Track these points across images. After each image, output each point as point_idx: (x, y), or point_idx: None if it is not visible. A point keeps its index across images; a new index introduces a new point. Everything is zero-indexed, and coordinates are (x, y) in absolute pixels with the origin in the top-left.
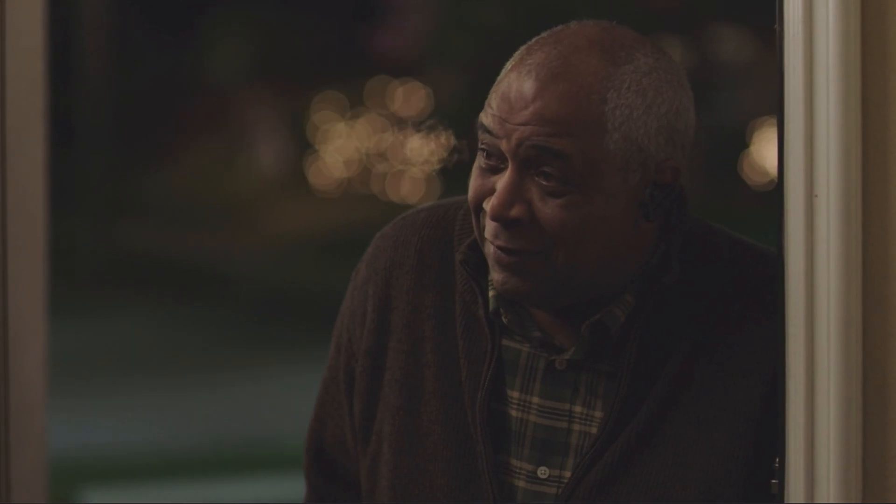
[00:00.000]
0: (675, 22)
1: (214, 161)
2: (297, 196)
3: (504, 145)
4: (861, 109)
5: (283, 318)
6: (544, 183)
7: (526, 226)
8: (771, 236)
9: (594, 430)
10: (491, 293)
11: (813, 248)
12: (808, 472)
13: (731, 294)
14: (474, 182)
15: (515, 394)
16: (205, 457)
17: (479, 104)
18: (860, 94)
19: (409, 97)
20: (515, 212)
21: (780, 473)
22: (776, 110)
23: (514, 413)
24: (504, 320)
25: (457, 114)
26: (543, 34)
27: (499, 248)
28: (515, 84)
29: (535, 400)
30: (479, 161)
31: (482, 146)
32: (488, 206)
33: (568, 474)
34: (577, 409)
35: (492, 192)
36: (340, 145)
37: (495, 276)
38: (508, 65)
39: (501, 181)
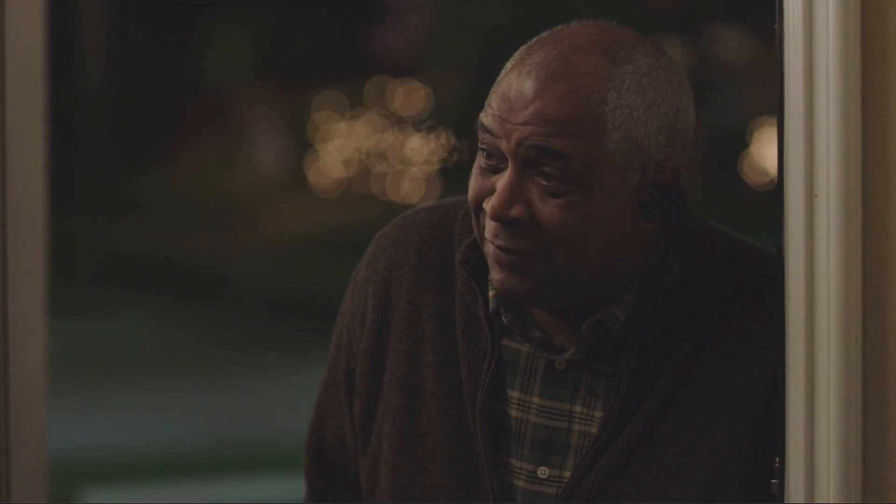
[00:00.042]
0: (675, 22)
1: (214, 161)
2: (297, 196)
3: (504, 145)
4: (861, 109)
5: (283, 318)
6: (544, 183)
7: (526, 226)
8: (771, 236)
9: (594, 430)
10: (491, 293)
11: (813, 248)
12: (807, 472)
13: (731, 294)
14: (474, 182)
15: (515, 394)
16: (205, 457)
17: (479, 104)
18: (860, 94)
19: (409, 97)
20: (515, 212)
21: (780, 473)
22: (776, 110)
23: (514, 413)
24: (504, 320)
25: (457, 114)
26: (543, 34)
27: (498, 247)
28: (515, 84)
29: (535, 400)
30: (479, 161)
31: (482, 146)
32: (488, 205)
33: (568, 474)
34: (577, 409)
35: (492, 191)
36: (340, 145)
37: (495, 275)
38: (508, 65)
39: (501, 181)
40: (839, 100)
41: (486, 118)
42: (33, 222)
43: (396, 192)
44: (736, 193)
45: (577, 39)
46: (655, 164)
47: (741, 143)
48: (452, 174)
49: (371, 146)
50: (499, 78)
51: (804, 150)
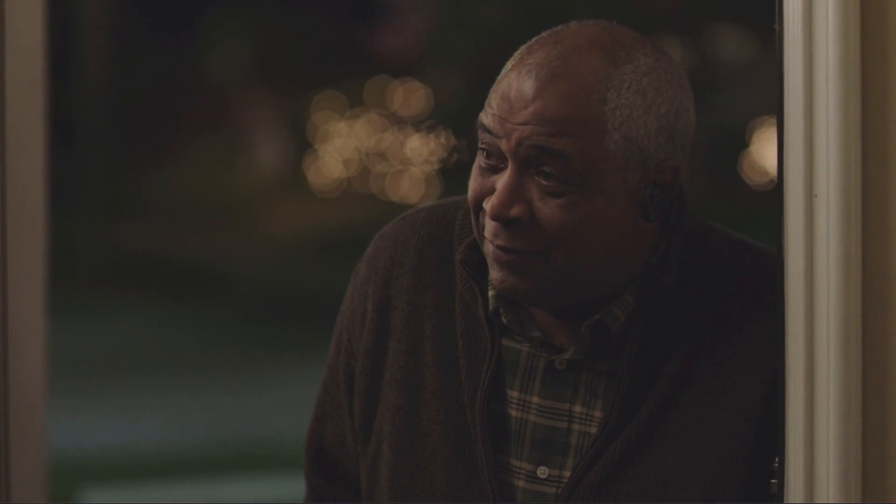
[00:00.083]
0: (675, 22)
1: (214, 161)
2: (296, 196)
3: (504, 145)
4: (861, 109)
5: (283, 318)
6: (544, 183)
7: (525, 225)
8: (771, 236)
9: (594, 430)
10: (491, 293)
11: (813, 247)
12: (807, 472)
13: (731, 294)
14: (474, 181)
15: (515, 393)
16: (205, 457)
17: (479, 104)
18: (860, 94)
19: (409, 97)
20: (515, 211)
21: (780, 473)
22: (776, 110)
23: (513, 413)
24: (504, 320)
25: (457, 114)
26: (543, 34)
27: (498, 247)
28: (515, 84)
29: (535, 400)
30: (479, 160)
31: (482, 146)
32: (488, 205)
33: (568, 474)
34: (577, 408)
35: (492, 191)
36: (340, 145)
37: (494, 274)
38: (508, 64)
39: (501, 181)
40: (839, 99)
41: (486, 118)
42: (33, 222)
43: (396, 192)
44: (736, 193)
45: (577, 39)
46: (655, 164)
47: (741, 143)
48: (452, 174)
49: (371, 146)
50: (499, 78)
51: (804, 150)
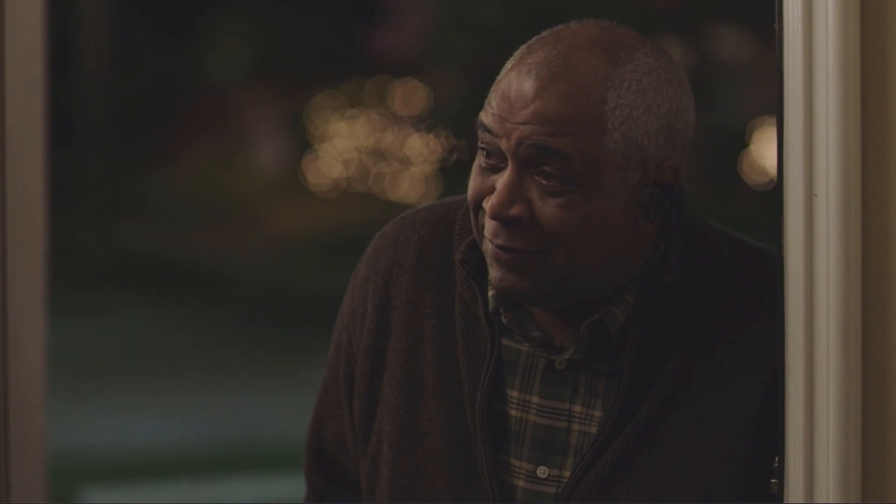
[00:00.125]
0: (675, 22)
1: (214, 161)
2: (296, 196)
3: (504, 144)
4: (861, 109)
5: (282, 318)
6: (544, 182)
7: (525, 225)
8: (771, 236)
9: (594, 430)
10: (490, 293)
11: (812, 247)
12: (807, 471)
13: (730, 294)
14: (474, 181)
15: (515, 393)
16: (205, 457)
17: (478, 104)
18: (860, 93)
19: (409, 97)
20: (515, 211)
21: (780, 473)
22: (776, 110)
23: (513, 413)
24: (504, 320)
25: (456, 113)
26: (544, 34)
27: (498, 246)
28: (515, 83)
29: (535, 399)
30: (479, 160)
31: (482, 145)
32: (488, 204)
33: (567, 474)
34: (577, 408)
35: (491, 190)
36: (340, 145)
37: (493, 273)
38: (509, 64)
39: (501, 180)
40: (838, 99)
41: (486, 117)
42: (33, 222)
43: (396, 191)
44: (736, 193)
45: (578, 39)
46: (655, 164)
47: (741, 142)
48: (452, 174)
49: (371, 146)
50: (499, 77)
51: (803, 150)
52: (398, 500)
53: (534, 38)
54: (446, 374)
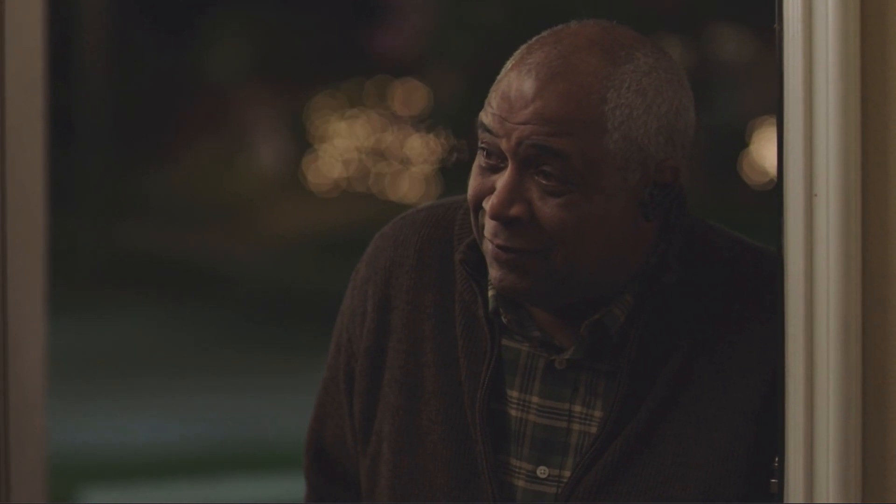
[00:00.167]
0: (675, 22)
1: (214, 161)
2: (296, 196)
3: (504, 144)
4: (860, 109)
5: (282, 318)
6: (544, 182)
7: (525, 225)
8: (771, 236)
9: (594, 430)
10: (490, 293)
11: (812, 247)
12: (807, 471)
13: (730, 294)
14: (474, 181)
15: (515, 393)
16: (205, 457)
17: (478, 104)
18: (860, 93)
19: (409, 97)
20: (515, 211)
21: (780, 473)
22: (776, 110)
23: (513, 412)
24: (504, 320)
25: (456, 113)
26: (544, 34)
27: (498, 246)
28: (515, 83)
29: (535, 399)
30: (479, 160)
31: (482, 145)
32: (488, 204)
33: (567, 474)
34: (577, 408)
35: (491, 190)
36: (340, 145)
37: (493, 272)
38: (509, 64)
39: (501, 180)
40: (838, 99)
41: (486, 117)
42: (33, 222)
43: (396, 191)
44: (736, 193)
45: (577, 39)
46: (655, 164)
47: (741, 142)
48: (452, 174)
49: (370, 146)
50: (499, 77)
51: (803, 150)
52: (398, 500)
53: (534, 38)
54: (446, 374)
